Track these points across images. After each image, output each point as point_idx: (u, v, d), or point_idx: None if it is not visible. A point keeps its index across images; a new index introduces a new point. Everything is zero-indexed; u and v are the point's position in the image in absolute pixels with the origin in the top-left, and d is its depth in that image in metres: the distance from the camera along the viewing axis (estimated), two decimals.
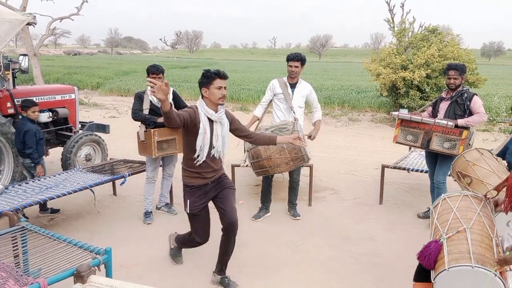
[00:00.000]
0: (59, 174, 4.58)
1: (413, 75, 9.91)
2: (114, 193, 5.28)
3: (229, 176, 5.22)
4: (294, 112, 4.53)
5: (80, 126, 6.29)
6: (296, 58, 4.50)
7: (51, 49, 70.24)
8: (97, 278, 2.26)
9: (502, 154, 3.55)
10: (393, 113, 4.63)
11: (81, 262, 2.55)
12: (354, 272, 3.57)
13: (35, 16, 5.31)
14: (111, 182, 4.84)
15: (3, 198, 3.79)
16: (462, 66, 4.21)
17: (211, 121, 3.02)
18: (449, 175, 3.74)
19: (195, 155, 3.00)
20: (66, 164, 5.34)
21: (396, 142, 4.55)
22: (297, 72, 4.54)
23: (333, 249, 3.97)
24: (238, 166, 5.07)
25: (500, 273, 1.96)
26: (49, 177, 4.46)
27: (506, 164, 3.36)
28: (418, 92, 10.24)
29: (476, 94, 4.20)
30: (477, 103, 4.11)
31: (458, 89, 4.20)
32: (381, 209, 5.04)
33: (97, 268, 2.54)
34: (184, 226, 4.39)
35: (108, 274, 2.63)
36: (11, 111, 4.96)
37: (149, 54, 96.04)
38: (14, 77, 5.46)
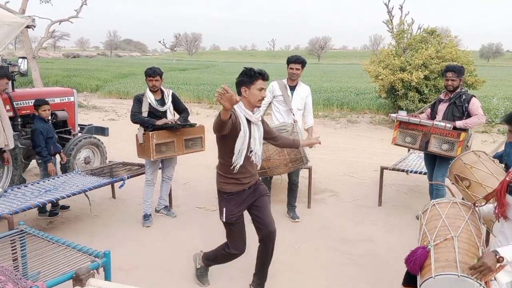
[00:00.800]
0: (58, 177, 4.58)
1: (411, 76, 9.93)
2: (113, 196, 5.28)
3: None
4: (293, 114, 4.53)
5: (79, 129, 6.29)
6: (298, 61, 4.50)
7: (50, 51, 70.26)
8: (96, 281, 2.26)
9: (500, 157, 3.56)
10: (392, 115, 4.64)
11: (80, 265, 2.55)
12: (353, 274, 3.57)
13: (34, 19, 5.32)
14: (110, 185, 4.84)
15: (2, 201, 3.79)
16: (460, 68, 4.22)
17: (248, 123, 2.88)
18: (447, 177, 3.74)
19: (233, 160, 2.84)
20: (65, 167, 5.34)
21: (395, 144, 4.55)
22: (297, 75, 4.54)
23: (332, 251, 3.97)
24: None
25: (485, 283, 1.97)
26: (48, 180, 4.46)
27: (504, 166, 3.36)
28: (416, 93, 10.25)
29: (475, 96, 4.21)
30: (475, 105, 4.12)
31: (457, 91, 4.21)
32: (380, 211, 5.04)
33: (96, 271, 2.54)
34: (183, 229, 4.40)
35: (107, 277, 2.62)
36: (10, 114, 4.96)
37: (148, 56, 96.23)
38: (13, 80, 5.46)
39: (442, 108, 4.31)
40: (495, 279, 2.04)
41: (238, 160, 2.84)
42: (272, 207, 4.79)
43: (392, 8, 11.96)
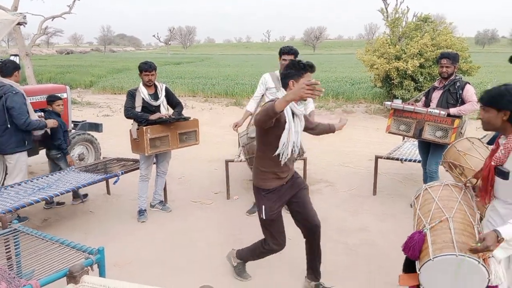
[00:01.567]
0: (52, 175, 4.55)
1: (406, 65, 9.90)
2: (108, 192, 5.26)
3: (223, 171, 5.26)
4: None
5: (72, 125, 6.24)
6: (290, 52, 4.45)
7: (43, 48, 69.74)
8: (90, 278, 2.24)
9: (493, 141, 3.55)
10: (386, 103, 4.62)
11: (74, 263, 2.54)
12: (349, 263, 3.58)
13: (25, 16, 5.25)
14: (104, 181, 4.81)
15: None
16: (454, 55, 4.20)
17: (292, 116, 2.75)
18: (441, 164, 3.74)
19: (277, 153, 2.73)
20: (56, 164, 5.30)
21: (389, 132, 4.54)
22: None
23: (328, 241, 3.97)
24: (232, 161, 5.05)
25: (483, 260, 1.97)
26: (42, 178, 4.43)
27: None
28: (412, 82, 10.23)
29: (469, 83, 4.19)
30: (469, 92, 4.10)
31: (451, 78, 4.19)
32: (375, 200, 5.05)
33: (90, 268, 2.53)
34: (179, 224, 4.40)
35: (101, 274, 2.61)
36: None
37: (143, 51, 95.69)
38: None
39: (436, 95, 4.29)
40: (492, 256, 2.05)
41: (284, 153, 2.74)
42: None
43: None
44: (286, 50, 4.44)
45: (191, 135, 4.62)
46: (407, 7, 11.35)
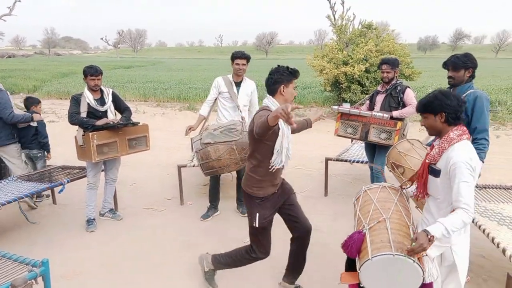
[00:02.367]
0: None
1: (353, 70, 10.30)
2: (54, 202, 5.03)
3: (176, 177, 5.20)
4: (240, 111, 4.53)
5: None
6: (243, 56, 4.48)
7: None
8: None
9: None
10: (333, 107, 4.78)
11: (16, 276, 2.42)
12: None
13: None
14: (49, 190, 4.61)
15: None
16: (394, 60, 4.43)
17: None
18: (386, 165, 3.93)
19: (273, 160, 2.73)
20: (0, 173, 5.02)
21: (337, 135, 4.71)
22: (244, 70, 4.52)
23: (281, 242, 4.02)
24: (185, 166, 5.01)
25: (418, 259, 2.10)
26: None
27: None
28: (359, 86, 10.66)
29: (409, 87, 4.44)
30: (409, 95, 4.35)
31: (392, 82, 4.42)
32: (326, 201, 5.21)
33: (34, 281, 2.43)
34: (130, 232, 4.29)
35: (47, 287, 2.52)
36: None
37: (90, 54, 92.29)
38: None
39: (379, 99, 4.51)
40: (426, 254, 2.20)
41: (278, 159, 2.74)
42: (222, 203, 4.84)
43: (334, 4, 12.32)
44: (239, 55, 4.47)
45: (141, 141, 4.52)
46: (353, 14, 11.85)
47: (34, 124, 4.86)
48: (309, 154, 7.53)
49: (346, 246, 2.31)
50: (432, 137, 3.84)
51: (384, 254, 2.10)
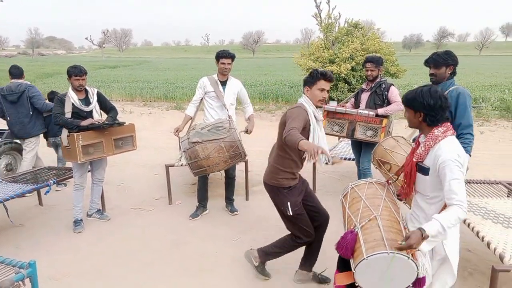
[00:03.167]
0: None
1: (339, 68, 10.38)
2: (40, 203, 4.97)
3: (164, 176, 5.18)
4: (227, 110, 4.54)
5: None
6: (228, 55, 4.49)
7: None
8: None
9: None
10: None
11: (3, 278, 2.40)
12: (290, 261, 3.66)
13: None
14: (35, 192, 4.55)
15: None
16: (378, 59, 4.49)
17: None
18: (372, 162, 3.98)
19: (305, 155, 2.88)
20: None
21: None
22: (229, 69, 4.53)
23: (270, 240, 4.02)
24: (173, 166, 4.99)
25: (412, 255, 2.12)
26: None
27: None
28: (345, 84, 10.74)
29: (393, 85, 4.51)
30: (394, 93, 4.41)
31: (377, 80, 4.48)
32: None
33: (22, 283, 2.41)
34: (118, 233, 4.27)
35: None
36: None
37: (75, 54, 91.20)
38: None
39: (364, 97, 4.57)
40: (419, 249, 2.20)
41: (322, 157, 2.90)
42: (210, 202, 4.85)
43: (320, 3, 12.40)
44: (224, 54, 4.48)
45: (128, 141, 4.48)
46: (339, 13, 11.95)
47: None
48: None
49: (340, 247, 2.29)
50: (417, 133, 3.91)
51: (379, 253, 2.10)
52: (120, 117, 4.54)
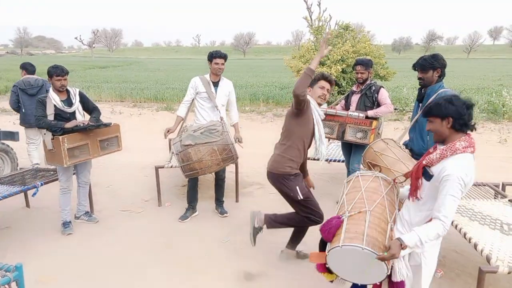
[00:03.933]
0: None
1: (330, 70, 10.43)
2: (27, 205, 4.91)
3: (153, 178, 5.15)
4: (219, 111, 4.51)
5: None
6: (222, 56, 4.47)
7: None
8: None
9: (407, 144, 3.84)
10: None
11: None
12: (280, 262, 3.69)
13: None
14: (22, 194, 4.49)
15: None
16: (367, 61, 4.52)
17: None
18: (362, 164, 4.00)
19: (317, 152, 3.34)
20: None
21: None
22: (222, 70, 4.52)
23: (259, 242, 4.04)
24: (162, 167, 4.97)
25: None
26: None
27: (409, 151, 3.66)
28: (336, 86, 10.79)
29: (383, 87, 4.54)
30: (383, 95, 4.44)
31: (366, 83, 4.52)
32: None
33: (8, 286, 2.38)
34: (107, 235, 4.23)
35: None
36: None
37: (64, 54, 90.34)
38: None
39: (354, 99, 4.60)
40: None
41: (320, 145, 3.31)
42: (200, 204, 4.83)
43: (311, 5, 12.44)
44: (217, 54, 4.47)
45: (113, 142, 4.38)
46: (330, 15, 11.99)
47: None
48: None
49: (324, 229, 2.36)
50: (406, 137, 3.94)
51: (354, 246, 2.16)
52: (110, 118, 4.53)
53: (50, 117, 3.95)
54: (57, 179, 4.35)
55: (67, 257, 3.76)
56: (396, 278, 2.26)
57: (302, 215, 3.39)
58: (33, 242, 4.03)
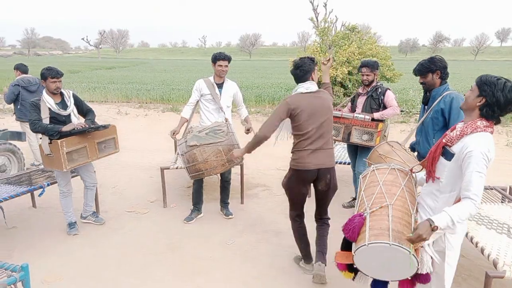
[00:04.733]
0: None
1: (336, 72, 10.40)
2: (34, 205, 4.94)
3: (159, 179, 5.16)
4: (224, 112, 4.52)
5: None
6: (225, 57, 4.48)
7: None
8: None
9: (413, 148, 3.81)
10: None
11: None
12: (284, 264, 3.68)
13: None
14: (29, 194, 4.52)
15: None
16: (373, 63, 4.50)
17: None
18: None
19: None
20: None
21: None
22: (226, 72, 4.52)
23: (264, 244, 4.06)
24: (168, 168, 4.98)
25: (415, 250, 2.11)
26: None
27: (416, 154, 3.64)
28: (341, 88, 10.76)
29: (389, 89, 4.52)
30: (390, 97, 4.42)
31: (372, 85, 4.50)
32: (310, 201, 5.18)
33: (14, 286, 2.40)
34: (113, 236, 4.25)
35: None
36: None
37: (71, 54, 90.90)
38: None
39: (360, 101, 4.58)
40: (422, 246, 2.19)
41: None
42: (205, 205, 4.83)
43: (317, 6, 12.41)
44: (221, 57, 4.47)
45: (110, 143, 4.33)
46: (336, 16, 11.95)
47: None
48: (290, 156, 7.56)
49: (347, 229, 2.30)
50: (412, 139, 3.91)
51: (381, 243, 2.11)
52: (116, 119, 4.56)
53: (46, 120, 3.86)
54: None
55: (72, 257, 3.78)
56: (423, 270, 2.20)
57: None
58: (39, 242, 4.06)
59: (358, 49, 10.71)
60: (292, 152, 3.39)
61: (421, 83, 3.44)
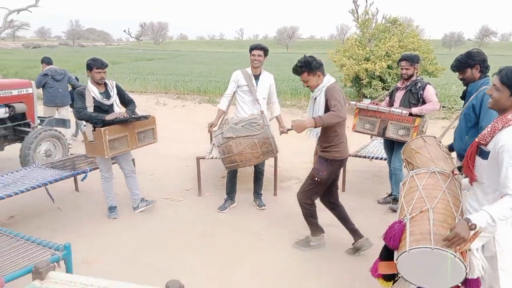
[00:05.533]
0: (17, 171, 4.45)
1: (374, 66, 10.17)
2: (76, 189, 5.18)
3: (194, 168, 5.28)
4: (260, 104, 4.54)
5: (39, 121, 6.11)
6: (259, 47, 4.49)
7: (9, 42, 67.25)
8: (56, 274, 2.23)
9: (451, 148, 3.60)
10: (351, 102, 4.76)
11: (40, 259, 2.53)
12: (316, 258, 3.68)
13: None
14: (72, 178, 4.74)
15: None
16: (413, 57, 4.36)
17: None
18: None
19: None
20: (25, 160, 5.20)
21: (355, 131, 4.69)
22: (260, 61, 4.49)
23: (296, 236, 4.07)
24: (203, 158, 5.07)
25: (461, 253, 2.00)
26: (7, 174, 4.33)
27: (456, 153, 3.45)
28: (380, 82, 10.52)
29: (429, 83, 4.37)
30: (429, 92, 4.28)
31: (412, 79, 4.37)
32: (344, 196, 5.15)
33: (57, 264, 2.52)
34: (149, 221, 4.39)
35: (68, 270, 2.61)
36: None
37: (113, 46, 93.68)
38: None
39: (399, 95, 4.47)
40: (470, 249, 2.07)
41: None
42: (239, 195, 4.90)
43: None
44: (255, 46, 4.53)
45: (149, 133, 4.46)
46: (376, 8, 11.68)
47: None
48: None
49: (387, 237, 2.22)
50: (447, 135, 3.74)
51: (422, 247, 2.02)
52: (155, 109, 4.70)
53: (90, 109, 4.02)
54: None
55: (111, 241, 3.95)
56: (473, 274, 2.09)
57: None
58: (81, 225, 4.27)
59: (399, 42, 10.41)
60: (334, 145, 3.58)
61: (461, 79, 3.30)
